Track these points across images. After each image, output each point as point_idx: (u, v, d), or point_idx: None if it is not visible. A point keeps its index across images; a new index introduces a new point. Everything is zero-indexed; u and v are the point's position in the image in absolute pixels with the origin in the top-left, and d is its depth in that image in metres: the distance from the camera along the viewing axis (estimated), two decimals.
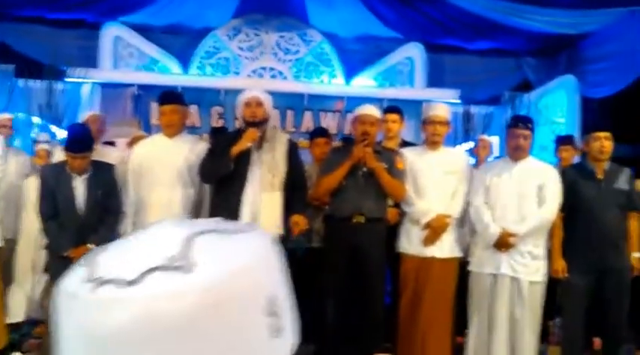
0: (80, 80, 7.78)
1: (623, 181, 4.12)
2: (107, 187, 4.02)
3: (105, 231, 4.01)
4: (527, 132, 4.12)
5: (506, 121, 4.49)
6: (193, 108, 7.85)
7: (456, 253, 4.19)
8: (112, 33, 8.06)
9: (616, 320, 4.04)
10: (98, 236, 3.94)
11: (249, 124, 4.02)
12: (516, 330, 3.93)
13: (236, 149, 3.92)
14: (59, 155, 4.70)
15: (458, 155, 4.50)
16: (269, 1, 7.93)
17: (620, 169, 4.18)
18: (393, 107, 5.17)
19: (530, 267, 3.98)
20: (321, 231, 4.48)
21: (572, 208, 4.10)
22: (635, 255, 4.13)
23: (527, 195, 4.04)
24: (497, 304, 3.94)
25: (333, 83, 8.25)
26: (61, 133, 6.19)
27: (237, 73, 8.23)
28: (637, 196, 4.26)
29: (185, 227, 0.66)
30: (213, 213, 4.00)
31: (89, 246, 3.87)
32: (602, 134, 4.11)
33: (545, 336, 4.41)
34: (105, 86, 7.90)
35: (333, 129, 7.87)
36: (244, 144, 3.93)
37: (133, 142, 5.38)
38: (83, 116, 5.26)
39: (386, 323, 4.16)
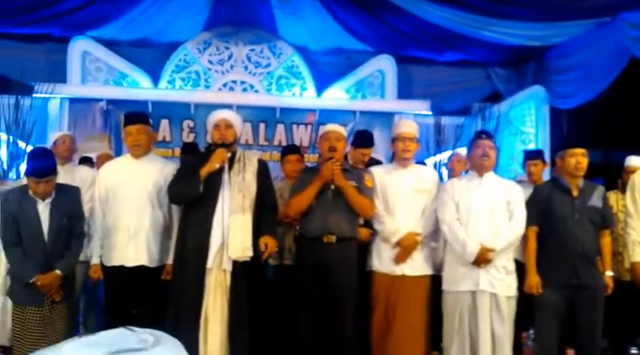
0: (48, 95, 7.68)
1: (596, 198, 4.14)
2: (71, 211, 3.94)
3: (71, 256, 3.94)
4: (491, 143, 4.16)
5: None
6: (164, 123, 7.81)
7: (428, 270, 4.19)
8: (80, 47, 7.98)
9: (590, 335, 4.06)
10: (65, 261, 3.88)
11: (219, 145, 3.99)
12: (497, 346, 3.94)
13: (205, 170, 3.89)
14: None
15: (427, 172, 4.50)
16: (239, 14, 7.89)
17: (593, 186, 4.21)
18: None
19: (505, 282, 4.01)
20: (292, 248, 4.46)
21: (547, 224, 4.12)
22: (608, 273, 4.15)
23: (497, 209, 4.06)
24: (480, 321, 3.94)
25: (304, 96, 8.25)
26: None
27: (207, 87, 8.19)
28: (609, 214, 4.29)
29: (95, 348, 0.64)
30: (182, 236, 3.96)
31: (57, 271, 3.81)
32: (578, 150, 4.13)
33: (518, 348, 4.42)
34: (73, 101, 7.81)
35: (305, 142, 7.90)
36: (213, 165, 3.90)
37: (99, 161, 5.34)
38: (53, 136, 5.17)
39: (359, 342, 4.15)
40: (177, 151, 7.42)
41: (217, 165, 3.91)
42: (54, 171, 3.81)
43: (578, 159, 4.12)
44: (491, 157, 4.14)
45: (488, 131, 4.37)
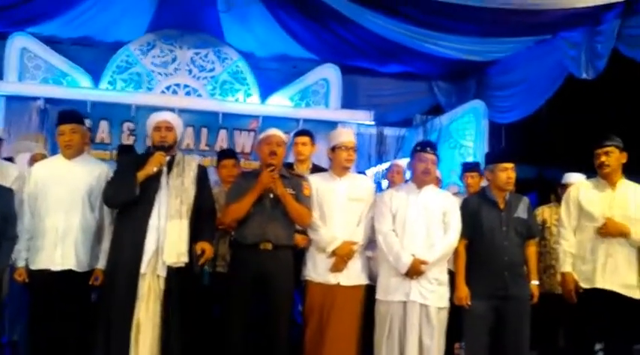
0: None
1: (522, 210, 4.24)
2: (4, 211, 3.82)
3: (2, 257, 3.82)
4: (435, 158, 4.21)
5: (414, 144, 4.56)
6: (103, 124, 7.65)
7: (363, 280, 4.20)
8: (18, 44, 7.75)
9: (517, 345, 4.13)
10: None
11: (158, 148, 3.93)
12: None
13: (142, 174, 3.83)
14: None
15: (363, 181, 4.52)
16: (184, 17, 7.80)
17: (519, 198, 4.31)
18: (303, 130, 5.18)
19: (437, 293, 4.06)
20: (226, 255, 4.42)
21: (474, 236, 4.19)
22: (534, 282, 4.25)
23: (433, 221, 4.11)
24: (408, 331, 3.97)
25: (248, 102, 8.21)
26: None
27: (150, 89, 8.06)
28: (535, 224, 4.41)
29: None
30: (116, 239, 3.88)
31: None
32: (508, 165, 4.22)
33: None
34: (10, 99, 7.58)
35: (247, 148, 7.86)
36: (151, 168, 3.84)
37: (32, 161, 5.17)
38: None
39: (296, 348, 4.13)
40: (115, 154, 7.27)
41: (155, 169, 3.85)
42: None
43: (509, 173, 4.21)
44: (433, 173, 4.22)
45: (433, 143, 4.39)
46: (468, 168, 5.50)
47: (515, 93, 7.65)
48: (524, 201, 4.30)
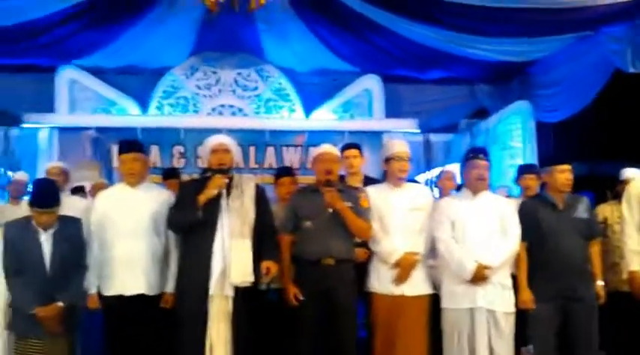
0: (37, 125, 7.70)
1: (582, 210, 4.22)
2: (74, 242, 3.95)
3: (75, 287, 3.94)
4: (487, 164, 4.21)
5: (466, 151, 4.56)
6: (154, 149, 7.83)
7: (427, 290, 4.20)
8: (67, 76, 8.03)
9: (587, 346, 4.10)
10: (69, 293, 3.87)
11: (216, 171, 4.01)
12: None
13: (203, 197, 3.91)
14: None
15: (422, 190, 4.53)
16: (225, 38, 7.97)
17: (578, 199, 4.28)
18: (351, 143, 5.20)
19: (503, 298, 4.04)
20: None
21: (535, 239, 4.16)
22: (599, 283, 4.22)
23: (492, 227, 4.10)
24: (478, 338, 3.96)
25: (293, 117, 8.32)
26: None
27: (196, 111, 8.25)
28: (596, 224, 4.38)
29: None
30: (183, 263, 3.98)
31: (59, 303, 3.81)
32: (567, 167, 4.20)
33: None
34: (62, 130, 7.85)
35: (296, 164, 7.94)
36: (211, 191, 3.92)
37: (93, 191, 5.33)
38: (45, 167, 5.17)
39: None
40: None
41: (215, 192, 3.93)
42: (58, 202, 3.83)
43: (567, 175, 4.20)
44: (487, 179, 4.21)
45: (484, 149, 4.38)
46: (526, 170, 5.39)
47: (560, 91, 7.57)
48: (584, 201, 4.27)
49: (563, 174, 4.19)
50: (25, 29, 7.04)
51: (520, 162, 7.24)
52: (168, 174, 5.69)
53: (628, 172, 5.27)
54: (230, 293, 3.85)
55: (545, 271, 4.12)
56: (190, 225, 3.93)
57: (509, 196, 5.51)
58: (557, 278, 4.09)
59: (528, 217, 4.20)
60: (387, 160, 4.37)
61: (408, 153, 4.37)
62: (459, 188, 5.15)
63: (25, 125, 7.68)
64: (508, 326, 4.03)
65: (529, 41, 7.45)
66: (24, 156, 7.44)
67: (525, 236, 4.15)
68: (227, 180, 4.00)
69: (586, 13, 6.61)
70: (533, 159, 7.42)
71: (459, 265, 4.02)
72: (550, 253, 4.12)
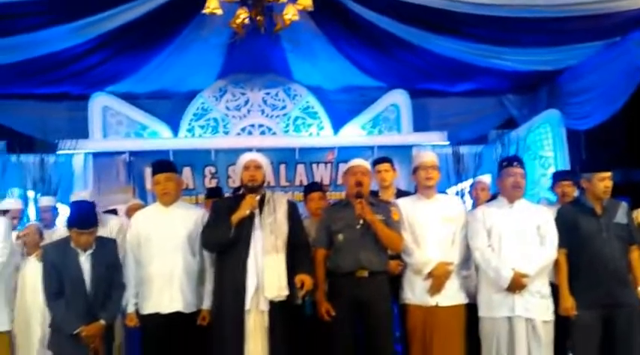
0: (72, 151, 7.87)
1: (621, 215, 4.17)
2: (111, 262, 4.06)
3: (113, 306, 4.04)
4: (522, 171, 4.20)
5: (499, 160, 4.54)
6: (186, 171, 7.93)
7: (461, 300, 4.19)
8: (100, 103, 8.20)
9: (629, 353, 4.04)
10: (108, 312, 3.98)
11: (248, 189, 4.07)
12: None
13: (236, 217, 3.96)
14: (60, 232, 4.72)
15: (453, 201, 4.53)
16: (252, 60, 8.06)
17: (616, 204, 4.24)
18: (382, 157, 5.22)
19: (541, 307, 4.03)
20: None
21: (574, 245, 4.13)
22: None
23: (528, 235, 4.09)
24: (517, 347, 3.95)
25: (322, 135, 8.37)
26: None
27: (226, 132, 8.35)
28: (635, 229, 4.30)
29: None
30: (218, 280, 4.03)
31: (101, 322, 3.91)
32: (607, 174, 4.16)
33: None
34: (97, 155, 8.00)
35: (326, 180, 7.98)
36: (243, 212, 3.97)
37: (129, 212, 5.43)
38: (74, 197, 5.28)
39: None
40: (201, 198, 7.52)
41: (247, 212, 3.98)
42: (96, 223, 3.93)
43: (607, 182, 4.16)
44: (523, 186, 4.20)
45: (519, 157, 4.39)
46: (562, 176, 5.34)
47: (590, 99, 7.50)
48: (623, 206, 4.23)
49: (603, 182, 4.15)
50: (56, 59, 7.20)
51: (552, 170, 7.18)
52: (211, 194, 5.76)
53: None
54: (265, 308, 3.88)
55: (585, 278, 4.08)
56: (223, 245, 4.00)
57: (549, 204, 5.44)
58: (597, 285, 4.04)
59: (567, 223, 4.17)
60: (415, 170, 4.40)
61: (435, 162, 4.38)
62: (492, 198, 5.14)
63: (60, 152, 7.85)
64: (547, 334, 4.01)
65: (557, 50, 7.41)
66: (60, 183, 7.57)
67: (564, 242, 4.13)
68: (258, 198, 4.05)
69: (613, 20, 6.57)
70: (565, 167, 7.35)
71: (495, 273, 4.00)
72: (590, 259, 4.08)
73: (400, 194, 4.92)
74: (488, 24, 6.91)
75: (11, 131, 8.06)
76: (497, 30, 7.01)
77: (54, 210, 5.85)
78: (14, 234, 5.08)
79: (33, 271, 4.54)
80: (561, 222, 4.17)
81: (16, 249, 4.88)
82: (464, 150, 8.09)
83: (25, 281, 4.71)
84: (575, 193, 5.07)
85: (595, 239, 4.10)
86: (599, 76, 7.31)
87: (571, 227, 4.15)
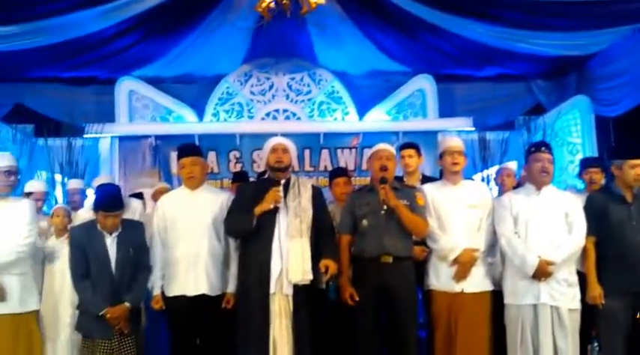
0: (98, 135, 7.95)
1: None
2: (137, 244, 4.10)
3: (138, 288, 4.08)
4: (551, 157, 4.15)
5: (525, 146, 4.48)
6: (211, 155, 7.96)
7: (487, 286, 4.16)
8: (126, 87, 8.25)
9: None
10: (133, 294, 4.02)
11: (275, 170, 4.09)
12: None
13: (259, 209, 3.97)
14: (86, 214, 4.77)
15: (479, 187, 4.50)
16: (277, 44, 8.05)
17: None
18: (408, 143, 5.19)
19: (567, 295, 3.98)
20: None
21: (604, 233, 4.08)
22: None
23: (556, 222, 4.04)
24: (542, 334, 3.92)
25: (346, 120, 8.34)
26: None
27: (251, 117, 8.36)
28: None
29: None
30: (243, 263, 4.04)
31: (126, 304, 3.95)
32: (638, 161, 4.10)
33: None
34: (123, 139, 8.06)
35: (350, 166, 7.96)
36: (267, 205, 3.98)
37: (156, 195, 5.47)
38: (96, 182, 5.33)
39: None
40: (226, 182, 7.58)
41: (271, 206, 3.98)
42: (122, 206, 3.97)
43: (638, 170, 4.09)
44: (551, 172, 4.14)
45: (547, 143, 4.32)
46: (590, 163, 5.24)
47: (620, 85, 7.37)
48: None
49: (634, 170, 4.09)
50: (83, 43, 7.26)
51: (579, 157, 7.08)
52: (237, 178, 5.80)
53: None
54: (289, 291, 3.90)
55: (614, 266, 4.03)
56: (244, 234, 4.03)
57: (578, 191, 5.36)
58: (627, 273, 4.00)
59: (597, 211, 4.12)
60: (441, 155, 4.37)
61: (461, 147, 4.35)
62: (518, 185, 5.09)
63: (87, 135, 7.92)
64: (573, 322, 3.97)
65: (586, 34, 7.29)
66: (87, 166, 7.66)
67: (594, 230, 4.08)
68: (283, 182, 4.06)
69: None
70: (593, 154, 7.25)
71: (521, 260, 3.97)
72: (619, 247, 4.03)
73: (425, 180, 4.89)
74: (516, 7, 6.83)
75: (39, 115, 8.15)
76: (525, 13, 6.91)
77: (82, 193, 5.90)
78: (43, 217, 5.16)
79: (61, 253, 4.59)
80: (591, 209, 4.12)
81: (43, 232, 4.95)
82: (490, 136, 8.02)
83: (54, 263, 4.77)
84: (603, 180, 5.01)
85: (625, 227, 4.04)
86: (629, 62, 7.17)
87: (601, 214, 4.10)
